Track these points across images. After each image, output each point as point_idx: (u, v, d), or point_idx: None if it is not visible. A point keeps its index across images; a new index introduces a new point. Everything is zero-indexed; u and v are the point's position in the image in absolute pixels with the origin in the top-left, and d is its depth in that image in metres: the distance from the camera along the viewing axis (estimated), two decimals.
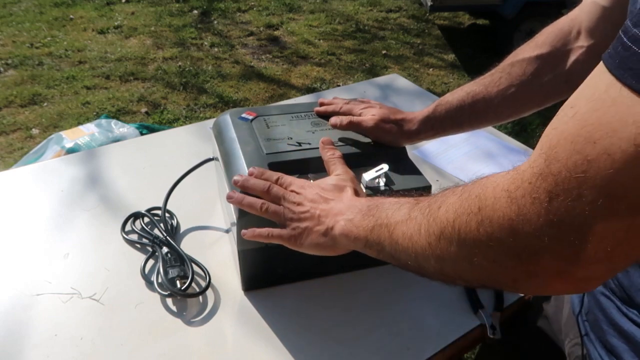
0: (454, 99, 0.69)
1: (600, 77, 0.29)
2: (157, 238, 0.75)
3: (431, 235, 0.40)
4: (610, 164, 0.27)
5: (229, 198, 0.59)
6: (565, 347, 0.60)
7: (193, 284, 0.70)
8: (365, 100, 0.78)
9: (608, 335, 0.50)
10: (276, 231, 0.57)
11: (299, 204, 0.56)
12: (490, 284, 0.38)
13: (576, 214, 0.29)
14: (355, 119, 0.72)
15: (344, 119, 0.72)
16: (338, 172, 0.61)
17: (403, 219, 0.44)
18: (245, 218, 0.61)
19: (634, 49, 0.27)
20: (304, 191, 0.57)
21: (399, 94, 1.26)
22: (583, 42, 0.65)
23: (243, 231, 0.59)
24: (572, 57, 0.66)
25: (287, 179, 0.60)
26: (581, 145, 0.28)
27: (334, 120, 0.73)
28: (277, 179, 0.60)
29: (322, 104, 0.78)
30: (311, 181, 0.61)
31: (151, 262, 0.73)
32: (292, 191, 0.58)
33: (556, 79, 0.66)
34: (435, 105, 0.71)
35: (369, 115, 0.72)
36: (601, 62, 0.30)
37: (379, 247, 0.47)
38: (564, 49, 0.66)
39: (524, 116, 0.70)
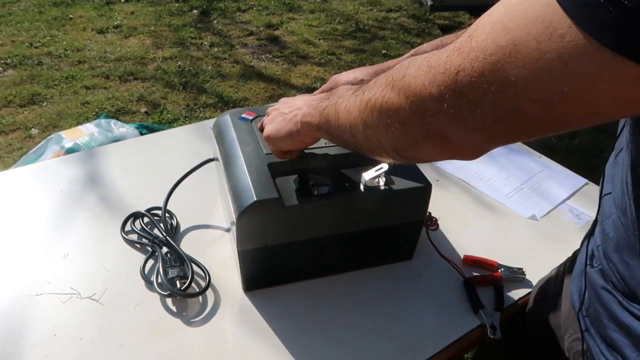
0: (430, 47, 0.68)
1: None
2: (157, 238, 0.75)
3: (361, 105, 0.45)
4: (513, 54, 0.30)
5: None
6: (565, 343, 0.60)
7: (193, 284, 0.70)
8: None
9: (608, 330, 0.50)
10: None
11: (275, 109, 0.66)
12: (400, 147, 0.43)
13: (474, 89, 0.33)
14: None
15: None
16: None
17: (347, 96, 0.50)
18: (244, 217, 0.61)
19: None
20: (277, 106, 0.67)
21: None
22: None
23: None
24: None
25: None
26: (498, 31, 0.32)
27: None
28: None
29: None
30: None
31: (151, 262, 0.73)
32: (272, 109, 0.67)
33: None
34: (411, 53, 0.69)
35: None
36: None
37: (328, 126, 0.53)
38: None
39: None
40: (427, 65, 0.37)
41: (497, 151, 1.06)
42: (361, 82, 0.69)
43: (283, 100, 0.67)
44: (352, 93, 0.49)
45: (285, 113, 0.61)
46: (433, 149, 0.40)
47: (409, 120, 0.40)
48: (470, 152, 0.39)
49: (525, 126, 0.34)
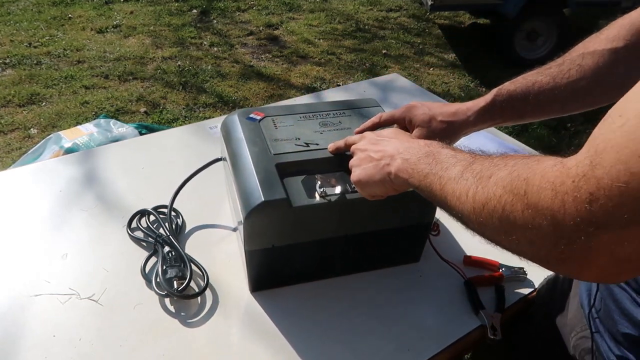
0: (516, 88, 0.67)
1: None
2: (161, 237, 0.74)
3: (477, 202, 0.42)
4: None
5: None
6: (571, 340, 0.60)
7: (192, 285, 0.69)
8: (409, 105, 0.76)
9: (619, 326, 0.51)
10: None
11: (362, 150, 0.62)
12: (524, 257, 0.41)
13: (614, 219, 0.31)
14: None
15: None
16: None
17: (455, 177, 0.46)
18: (252, 218, 0.61)
19: None
20: (364, 145, 0.62)
21: (399, 94, 1.26)
22: None
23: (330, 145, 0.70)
24: None
25: (360, 142, 0.64)
26: (626, 157, 0.30)
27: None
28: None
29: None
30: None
31: (153, 261, 0.73)
32: (359, 149, 0.63)
33: (630, 75, 0.64)
34: (493, 95, 0.69)
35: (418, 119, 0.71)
36: None
37: (429, 195, 0.51)
38: (638, 45, 0.63)
39: (587, 110, 0.68)
40: (552, 190, 0.35)
41: (496, 149, 1.06)
42: (435, 124, 0.68)
43: (369, 137, 0.63)
44: (460, 173, 0.46)
45: (376, 159, 0.58)
46: (568, 271, 0.38)
47: (538, 241, 0.37)
48: (616, 278, 0.37)
49: None
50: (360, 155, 0.61)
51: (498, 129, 1.14)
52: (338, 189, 0.64)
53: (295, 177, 0.65)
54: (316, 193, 0.63)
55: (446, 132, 0.69)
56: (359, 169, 0.59)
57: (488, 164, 0.43)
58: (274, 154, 0.67)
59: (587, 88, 0.64)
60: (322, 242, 0.68)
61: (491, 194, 0.41)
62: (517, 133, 2.53)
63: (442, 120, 0.69)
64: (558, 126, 2.65)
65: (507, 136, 1.11)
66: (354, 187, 0.65)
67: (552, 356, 0.63)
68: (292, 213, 0.62)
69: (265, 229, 0.63)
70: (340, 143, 0.68)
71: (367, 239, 0.71)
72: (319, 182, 0.65)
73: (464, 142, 1.22)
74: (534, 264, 0.39)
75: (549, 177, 0.35)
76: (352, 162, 0.62)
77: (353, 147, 0.63)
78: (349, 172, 0.64)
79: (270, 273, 0.69)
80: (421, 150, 0.53)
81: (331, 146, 0.69)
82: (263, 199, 0.60)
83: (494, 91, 0.69)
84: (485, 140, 1.08)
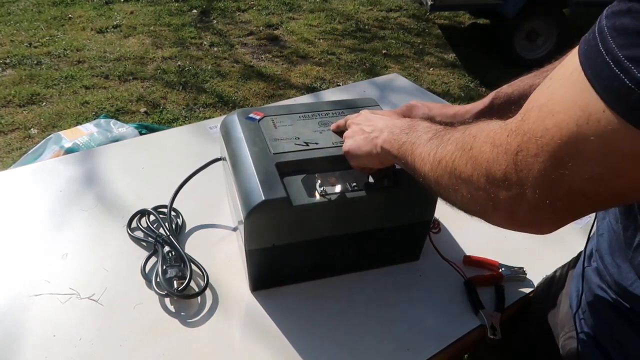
0: (513, 90, 0.68)
1: (572, 58, 0.33)
2: (161, 236, 0.75)
3: (434, 160, 0.46)
4: (559, 136, 0.32)
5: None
6: (560, 340, 0.60)
7: (192, 284, 0.69)
8: (408, 105, 0.77)
9: (600, 328, 0.51)
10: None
11: (357, 124, 0.66)
12: (469, 213, 0.45)
13: (531, 169, 0.35)
14: None
15: None
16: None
17: (424, 142, 0.50)
18: (252, 217, 0.61)
19: (597, 40, 0.31)
20: (359, 119, 0.67)
21: (399, 94, 1.26)
22: None
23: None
24: None
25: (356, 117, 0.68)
26: (544, 114, 0.34)
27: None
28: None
29: None
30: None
31: (153, 261, 0.73)
32: (354, 123, 0.67)
33: None
34: (491, 98, 0.70)
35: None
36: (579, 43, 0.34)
37: (404, 162, 0.54)
38: None
39: None
40: (491, 143, 0.39)
41: None
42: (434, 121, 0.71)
43: (364, 114, 0.67)
44: (429, 139, 0.49)
45: (367, 132, 0.61)
46: (501, 221, 0.41)
47: (475, 192, 0.41)
48: (539, 228, 0.40)
49: (588, 203, 0.35)
50: (355, 128, 0.64)
51: None
52: (338, 188, 0.64)
53: (295, 176, 0.66)
54: (316, 192, 0.64)
55: None
56: (350, 140, 0.63)
57: (454, 130, 0.47)
58: (274, 154, 0.68)
59: None
60: (322, 241, 0.68)
61: (446, 151, 0.45)
62: None
63: (441, 122, 0.70)
64: None
65: None
66: (355, 186, 0.65)
67: (550, 356, 0.63)
68: (292, 212, 0.62)
69: (266, 228, 0.63)
70: (341, 121, 0.71)
71: (367, 238, 0.71)
72: (319, 181, 0.65)
73: None
74: (479, 219, 0.43)
75: (490, 133, 0.40)
76: (346, 133, 0.66)
77: (349, 121, 0.67)
78: (347, 170, 0.66)
79: (270, 272, 0.70)
80: (404, 124, 0.57)
81: (333, 125, 0.73)
82: (263, 198, 0.60)
83: (491, 94, 0.70)
84: None
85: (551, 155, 0.33)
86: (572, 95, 0.32)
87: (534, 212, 0.37)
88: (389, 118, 0.62)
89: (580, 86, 0.31)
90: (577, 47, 0.34)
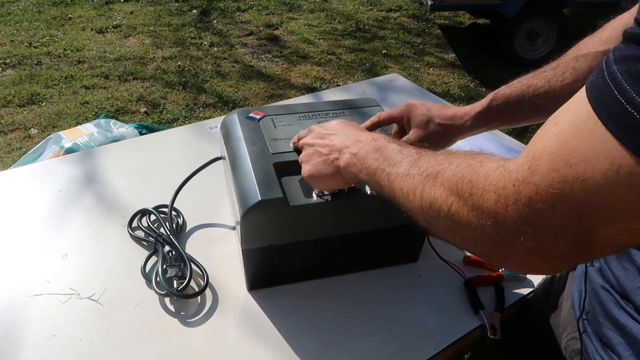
0: (511, 92, 0.68)
1: (581, 104, 0.32)
2: (161, 236, 0.75)
3: (424, 201, 0.44)
4: (582, 188, 0.30)
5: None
6: (562, 341, 0.60)
7: (192, 284, 0.69)
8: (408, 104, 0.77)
9: (604, 328, 0.51)
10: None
11: (310, 145, 0.62)
12: (470, 253, 0.42)
13: (550, 221, 0.33)
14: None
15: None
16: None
17: (402, 174, 0.48)
18: (249, 216, 0.61)
19: (611, 87, 0.29)
20: (311, 140, 0.63)
21: (399, 94, 1.26)
22: None
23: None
24: None
25: (307, 137, 0.64)
26: (559, 165, 0.32)
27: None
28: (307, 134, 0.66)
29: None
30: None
31: (153, 260, 0.73)
32: (307, 144, 0.63)
33: None
34: (489, 99, 0.69)
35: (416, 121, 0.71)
36: (584, 87, 0.32)
37: (378, 189, 0.52)
38: None
39: None
40: (494, 192, 0.36)
41: (497, 151, 1.06)
42: (433, 127, 0.69)
43: (316, 131, 0.63)
44: (407, 171, 0.47)
45: (324, 154, 0.58)
46: (512, 266, 0.40)
47: (481, 240, 0.39)
48: (552, 271, 0.39)
49: (612, 248, 0.34)
50: (309, 150, 0.61)
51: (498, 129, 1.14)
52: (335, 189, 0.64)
53: (293, 176, 0.65)
54: (313, 192, 0.64)
55: (443, 135, 0.70)
56: (308, 165, 0.60)
57: (433, 162, 0.45)
58: (272, 153, 0.67)
59: None
60: (319, 241, 0.68)
61: (437, 194, 0.42)
62: (518, 133, 2.53)
63: (440, 123, 0.70)
64: None
65: (507, 136, 1.11)
66: (352, 186, 0.65)
67: (549, 356, 0.63)
68: (289, 212, 0.62)
69: (262, 228, 0.64)
70: (295, 139, 0.69)
71: (363, 239, 0.71)
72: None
73: (462, 143, 1.23)
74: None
75: (491, 180, 0.37)
76: (301, 157, 0.62)
77: (301, 142, 0.64)
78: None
79: (267, 272, 0.70)
80: (368, 145, 0.54)
81: (292, 142, 0.69)
82: (260, 198, 0.60)
83: (490, 95, 0.70)
84: (485, 140, 1.08)
85: (574, 207, 0.31)
86: (590, 146, 0.30)
87: (552, 262, 0.36)
88: (344, 134, 0.59)
89: (600, 137, 0.29)
90: (582, 91, 0.32)
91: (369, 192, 0.65)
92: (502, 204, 0.35)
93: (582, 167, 0.30)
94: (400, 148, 0.51)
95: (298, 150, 0.66)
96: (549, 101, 0.66)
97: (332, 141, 0.58)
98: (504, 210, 0.35)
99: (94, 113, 2.42)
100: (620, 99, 0.29)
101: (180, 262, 0.71)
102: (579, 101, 0.32)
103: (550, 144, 0.33)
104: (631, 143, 0.28)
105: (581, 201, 0.31)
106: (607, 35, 0.65)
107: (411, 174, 0.46)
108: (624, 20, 0.64)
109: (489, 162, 0.39)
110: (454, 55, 3.47)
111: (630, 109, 0.28)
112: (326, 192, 0.64)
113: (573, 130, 0.32)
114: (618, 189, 0.29)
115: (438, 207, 0.42)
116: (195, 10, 3.68)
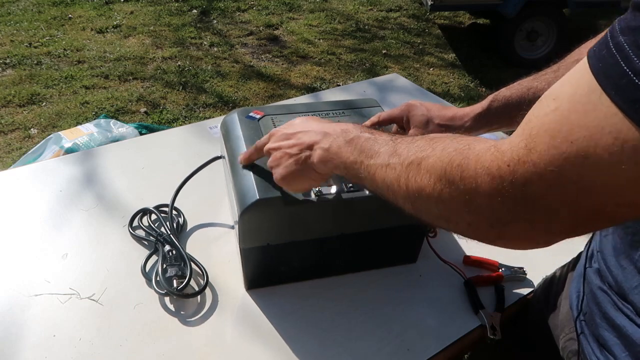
0: (511, 94, 0.67)
1: (583, 76, 0.30)
2: (161, 235, 0.75)
3: (410, 190, 0.42)
4: (584, 165, 0.29)
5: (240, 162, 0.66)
6: (560, 342, 0.60)
7: (192, 283, 0.69)
8: (407, 104, 0.77)
9: (601, 329, 0.51)
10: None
11: (277, 149, 0.59)
12: (464, 236, 0.41)
13: (547, 200, 0.32)
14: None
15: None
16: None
17: (382, 164, 0.46)
18: (247, 216, 0.61)
19: (617, 58, 0.28)
20: (276, 141, 0.59)
21: (399, 94, 1.26)
22: None
23: (240, 157, 0.66)
24: None
25: (270, 142, 0.61)
26: (559, 141, 0.30)
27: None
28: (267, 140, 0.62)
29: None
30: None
31: (153, 260, 0.73)
32: (272, 149, 0.60)
33: None
34: (489, 101, 0.69)
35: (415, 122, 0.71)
36: (585, 58, 0.31)
37: (357, 181, 0.50)
38: None
39: None
40: (487, 174, 0.35)
41: None
42: (432, 127, 0.69)
43: (277, 134, 0.59)
44: (386, 161, 0.45)
45: (294, 154, 0.55)
46: (505, 245, 0.39)
47: (476, 222, 0.37)
48: (545, 245, 0.38)
49: (610, 222, 0.34)
50: (276, 154, 0.58)
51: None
52: (334, 189, 0.64)
53: None
54: (311, 192, 0.64)
55: None
56: (279, 168, 0.57)
57: (414, 148, 0.43)
58: None
59: None
60: (317, 241, 0.68)
61: (425, 182, 0.40)
62: None
63: (439, 124, 0.70)
64: None
65: (507, 137, 1.11)
66: (350, 187, 0.65)
67: (548, 357, 0.63)
68: (287, 211, 0.62)
69: (260, 227, 0.64)
70: (251, 149, 0.64)
71: (362, 239, 0.71)
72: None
73: None
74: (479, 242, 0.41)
75: (483, 162, 0.35)
76: (269, 162, 0.59)
77: (266, 147, 0.60)
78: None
79: (265, 271, 0.70)
80: (339, 138, 0.52)
81: (241, 158, 0.66)
82: (258, 197, 0.61)
83: (490, 97, 0.70)
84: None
85: (574, 184, 0.30)
86: (594, 120, 0.29)
87: (549, 237, 0.35)
88: (311, 130, 0.56)
89: (604, 110, 0.28)
90: (582, 63, 0.31)
91: (367, 192, 0.65)
92: (497, 186, 0.34)
93: (584, 142, 0.29)
94: (374, 137, 0.49)
95: (253, 165, 0.64)
96: None
97: (300, 139, 0.56)
98: (499, 192, 0.34)
99: (94, 113, 2.42)
100: (627, 70, 0.27)
101: (181, 261, 0.71)
102: (580, 73, 0.31)
103: (548, 119, 0.32)
104: (638, 116, 0.27)
105: (582, 178, 0.30)
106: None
107: (392, 163, 0.44)
108: None
109: (478, 144, 0.37)
110: (454, 55, 3.47)
111: (637, 80, 0.27)
112: (325, 192, 0.64)
113: (574, 104, 0.30)
114: (622, 164, 0.28)
115: (427, 195, 0.40)
116: (195, 10, 3.68)
